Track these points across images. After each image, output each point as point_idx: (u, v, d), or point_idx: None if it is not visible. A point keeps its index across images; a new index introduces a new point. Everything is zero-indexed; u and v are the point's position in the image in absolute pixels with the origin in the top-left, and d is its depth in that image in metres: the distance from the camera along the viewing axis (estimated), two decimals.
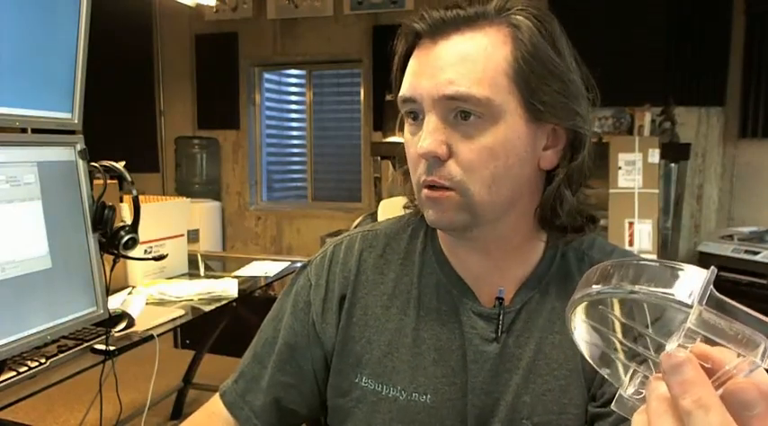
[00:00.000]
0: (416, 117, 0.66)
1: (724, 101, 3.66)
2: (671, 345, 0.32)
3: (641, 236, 2.87)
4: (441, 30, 0.64)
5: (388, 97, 4.31)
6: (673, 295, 0.32)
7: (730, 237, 3.24)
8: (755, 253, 3.01)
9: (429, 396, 0.69)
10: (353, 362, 0.73)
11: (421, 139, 0.62)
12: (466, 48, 0.62)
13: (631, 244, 2.86)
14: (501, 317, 0.69)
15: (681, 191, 3.23)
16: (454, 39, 0.63)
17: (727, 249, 3.15)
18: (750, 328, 0.31)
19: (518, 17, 0.63)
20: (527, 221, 0.70)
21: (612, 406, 0.37)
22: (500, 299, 0.70)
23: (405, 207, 0.80)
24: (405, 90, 0.65)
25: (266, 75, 4.99)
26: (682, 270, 0.33)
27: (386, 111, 4.21)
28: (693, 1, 3.65)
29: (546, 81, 0.62)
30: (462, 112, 0.62)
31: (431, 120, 0.63)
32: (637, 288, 0.33)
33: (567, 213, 0.68)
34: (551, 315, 0.70)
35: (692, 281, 0.33)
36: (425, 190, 0.65)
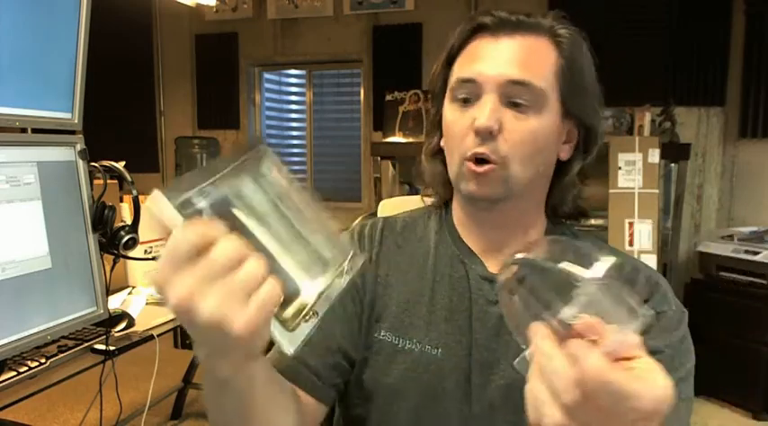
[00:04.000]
0: (467, 100, 0.75)
1: (724, 101, 3.66)
2: (566, 312, 0.39)
3: (641, 236, 2.87)
4: (505, 28, 0.75)
5: (389, 97, 4.31)
6: (576, 274, 0.40)
7: (730, 237, 3.24)
8: (755, 253, 3.01)
9: (440, 350, 0.77)
10: (375, 317, 0.80)
11: (480, 115, 0.72)
12: (529, 46, 0.74)
13: (631, 243, 2.86)
14: None
15: (681, 191, 3.23)
16: (517, 37, 0.74)
17: (727, 249, 3.14)
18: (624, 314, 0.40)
19: (563, 34, 0.76)
20: (536, 205, 0.81)
21: (515, 364, 0.44)
22: None
23: (423, 195, 0.92)
24: (466, 72, 0.75)
25: (266, 75, 4.99)
26: (598, 260, 0.41)
27: (386, 111, 4.21)
28: (693, 1, 3.65)
29: (578, 86, 0.75)
30: (513, 102, 0.72)
31: (490, 100, 0.72)
32: (555, 264, 0.40)
33: (571, 202, 0.81)
34: None
35: (600, 266, 0.40)
36: (470, 164, 0.73)
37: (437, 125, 0.83)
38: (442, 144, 0.82)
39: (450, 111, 0.78)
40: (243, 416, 0.56)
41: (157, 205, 0.41)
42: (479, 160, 0.73)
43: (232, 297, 0.40)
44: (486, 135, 0.72)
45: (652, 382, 0.40)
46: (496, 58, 0.74)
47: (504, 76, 0.72)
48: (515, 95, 0.72)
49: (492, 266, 0.80)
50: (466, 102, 0.75)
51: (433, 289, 0.80)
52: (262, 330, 0.42)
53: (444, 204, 0.88)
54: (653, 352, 0.66)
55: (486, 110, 0.72)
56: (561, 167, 0.80)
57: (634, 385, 0.38)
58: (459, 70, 0.77)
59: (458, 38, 0.79)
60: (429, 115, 0.90)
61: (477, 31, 0.77)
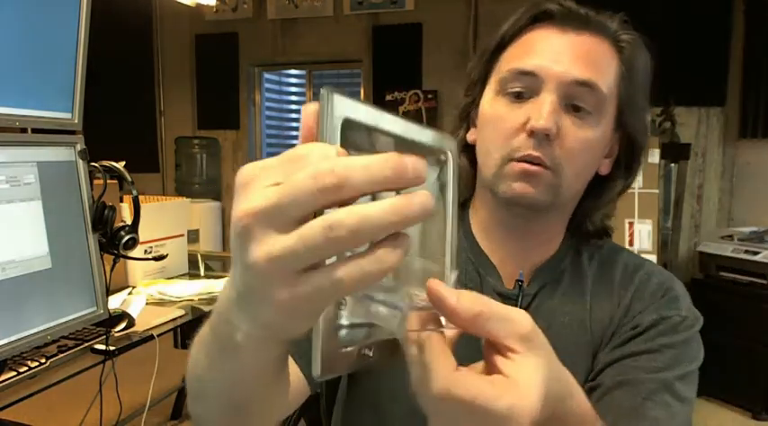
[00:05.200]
0: (520, 95, 0.68)
1: (724, 101, 3.66)
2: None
3: (641, 236, 2.87)
4: (573, 22, 0.68)
5: (389, 97, 4.31)
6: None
7: (730, 237, 3.24)
8: (755, 253, 3.01)
9: None
10: None
11: (537, 115, 0.65)
12: (597, 48, 0.68)
13: (631, 244, 2.86)
14: (519, 299, 0.73)
15: (681, 191, 3.23)
16: (584, 35, 0.68)
17: (727, 249, 3.14)
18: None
19: (626, 39, 0.70)
20: (564, 218, 0.76)
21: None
22: (520, 282, 0.73)
23: None
24: (524, 64, 0.67)
25: (266, 75, 4.99)
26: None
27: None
28: (693, 1, 3.65)
29: (634, 98, 0.70)
30: (573, 105, 0.66)
31: (549, 100, 0.65)
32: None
33: (600, 221, 0.76)
34: (563, 298, 0.74)
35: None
36: (522, 164, 0.66)
37: (466, 116, 0.76)
38: (469, 138, 0.76)
39: (494, 105, 0.70)
40: (237, 386, 0.45)
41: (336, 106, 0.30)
42: (525, 162, 0.66)
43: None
44: (543, 138, 0.65)
45: (511, 391, 0.35)
46: (563, 53, 0.66)
47: (569, 75, 0.65)
48: (578, 98, 0.66)
49: (506, 277, 0.75)
50: (518, 96, 0.68)
51: None
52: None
53: (461, 204, 0.80)
54: (644, 352, 0.67)
55: (545, 110, 0.64)
56: (597, 183, 0.74)
57: (484, 396, 0.34)
58: (515, 60, 0.69)
59: (513, 24, 0.71)
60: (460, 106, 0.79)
61: (539, 19, 0.70)
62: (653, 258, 2.68)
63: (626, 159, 0.74)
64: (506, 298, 0.73)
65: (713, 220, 3.78)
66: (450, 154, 0.38)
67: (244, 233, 0.30)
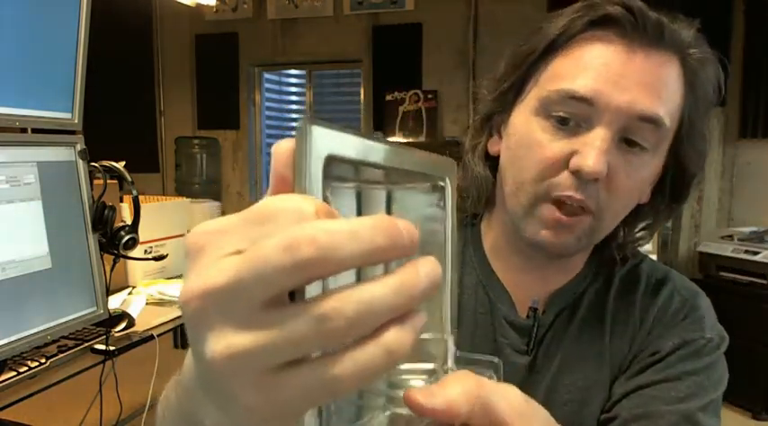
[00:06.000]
0: (565, 121, 0.56)
1: (724, 101, 3.66)
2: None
3: None
4: (642, 34, 0.55)
5: (389, 97, 4.31)
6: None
7: (730, 237, 3.24)
8: (755, 253, 3.01)
9: None
10: None
11: (587, 154, 0.54)
12: (668, 72, 0.56)
13: None
14: (535, 330, 0.67)
15: None
16: (653, 54, 0.55)
17: (727, 249, 3.14)
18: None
19: (696, 55, 0.58)
20: (592, 247, 0.68)
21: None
22: (534, 310, 0.67)
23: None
24: (580, 87, 0.55)
25: (266, 75, 4.99)
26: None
27: (386, 112, 4.21)
28: (693, 1, 3.65)
29: (696, 127, 0.60)
30: (631, 139, 0.56)
31: (603, 136, 0.54)
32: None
33: (630, 248, 0.68)
34: (581, 325, 0.68)
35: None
36: (557, 212, 0.57)
37: (487, 122, 0.66)
38: (491, 148, 0.66)
39: (532, 126, 0.58)
40: None
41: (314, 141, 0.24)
42: (563, 204, 0.56)
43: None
44: (590, 180, 0.55)
45: None
46: (627, 78, 0.54)
47: (634, 108, 0.54)
48: (637, 133, 0.55)
49: (519, 303, 0.68)
50: (563, 121, 0.56)
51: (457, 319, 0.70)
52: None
53: (473, 215, 0.72)
54: (663, 381, 0.61)
55: (596, 150, 0.53)
56: (634, 210, 0.63)
57: None
58: (565, 78, 0.56)
59: (566, 27, 0.57)
60: (477, 106, 0.68)
61: (598, 23, 0.56)
62: (653, 258, 2.67)
63: (673, 188, 0.64)
64: (519, 330, 0.67)
65: (713, 220, 3.78)
66: (448, 181, 0.33)
67: (195, 319, 0.22)
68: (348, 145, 0.26)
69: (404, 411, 0.29)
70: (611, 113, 0.54)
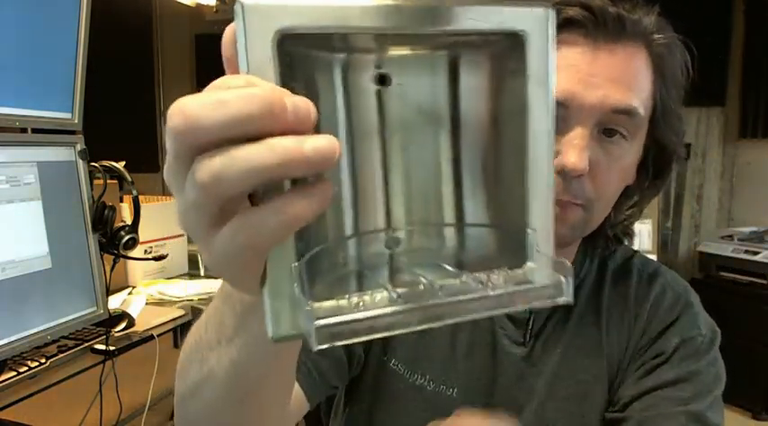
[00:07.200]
0: None
1: (724, 101, 3.66)
2: None
3: (641, 236, 2.87)
4: (603, 31, 0.57)
5: None
6: None
7: (730, 237, 3.24)
8: (755, 253, 3.01)
9: (456, 390, 0.68)
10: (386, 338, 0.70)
11: (569, 153, 0.56)
12: (635, 63, 0.58)
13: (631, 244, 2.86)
14: (531, 322, 0.69)
15: (681, 191, 3.23)
16: (618, 49, 0.57)
17: (727, 249, 3.14)
18: None
19: (660, 41, 0.60)
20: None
21: None
22: None
23: None
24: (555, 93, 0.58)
25: None
26: None
27: None
28: (693, 1, 3.65)
29: (669, 107, 0.62)
30: (607, 130, 0.58)
31: (581, 134, 0.57)
32: None
33: (621, 230, 0.70)
34: (579, 319, 0.69)
35: None
36: None
37: None
38: None
39: None
40: (251, 357, 0.40)
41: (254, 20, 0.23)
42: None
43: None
44: (574, 178, 0.57)
45: None
46: (596, 75, 0.56)
47: (607, 104, 0.56)
48: (614, 124, 0.58)
49: None
50: None
51: None
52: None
53: None
54: (672, 383, 0.63)
55: (576, 148, 0.56)
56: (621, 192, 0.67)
57: None
58: None
59: None
60: None
61: (561, 27, 0.57)
62: (653, 258, 2.67)
63: (656, 166, 0.67)
64: (516, 322, 0.69)
65: (713, 220, 3.78)
66: (526, 30, 0.26)
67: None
68: (305, 13, 0.23)
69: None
70: (585, 112, 0.57)
